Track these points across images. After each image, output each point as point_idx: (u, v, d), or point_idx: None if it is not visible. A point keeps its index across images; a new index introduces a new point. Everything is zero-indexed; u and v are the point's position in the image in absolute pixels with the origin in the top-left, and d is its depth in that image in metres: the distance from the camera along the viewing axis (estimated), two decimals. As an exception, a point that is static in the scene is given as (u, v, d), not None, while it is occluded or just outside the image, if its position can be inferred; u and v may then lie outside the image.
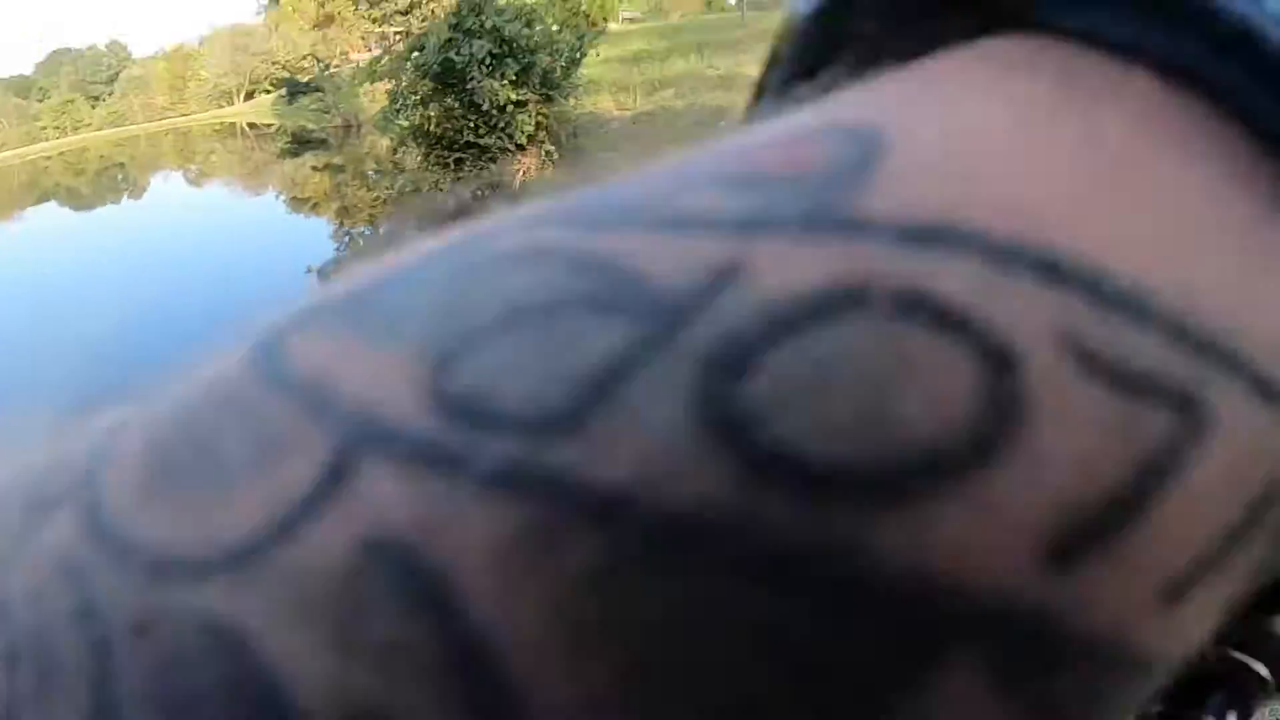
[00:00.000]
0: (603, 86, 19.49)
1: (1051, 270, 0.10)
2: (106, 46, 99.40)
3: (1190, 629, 0.11)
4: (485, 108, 15.04)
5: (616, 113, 17.76)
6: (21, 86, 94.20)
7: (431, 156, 16.68)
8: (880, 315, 0.09)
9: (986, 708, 0.10)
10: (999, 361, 0.09)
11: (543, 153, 15.61)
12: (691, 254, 0.10)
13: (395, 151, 18.78)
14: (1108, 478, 0.09)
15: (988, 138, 0.11)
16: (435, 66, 15.16)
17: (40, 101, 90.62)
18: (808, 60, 0.16)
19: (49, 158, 72.47)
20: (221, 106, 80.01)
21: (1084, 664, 0.10)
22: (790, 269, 0.10)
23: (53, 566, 0.11)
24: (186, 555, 0.10)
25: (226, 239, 23.65)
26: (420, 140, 16.69)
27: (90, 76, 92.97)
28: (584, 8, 32.56)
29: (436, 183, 16.76)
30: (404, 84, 16.44)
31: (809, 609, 0.09)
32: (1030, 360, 0.09)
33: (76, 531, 0.11)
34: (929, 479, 0.09)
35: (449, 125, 15.81)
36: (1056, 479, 0.09)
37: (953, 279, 0.09)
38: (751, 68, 18.29)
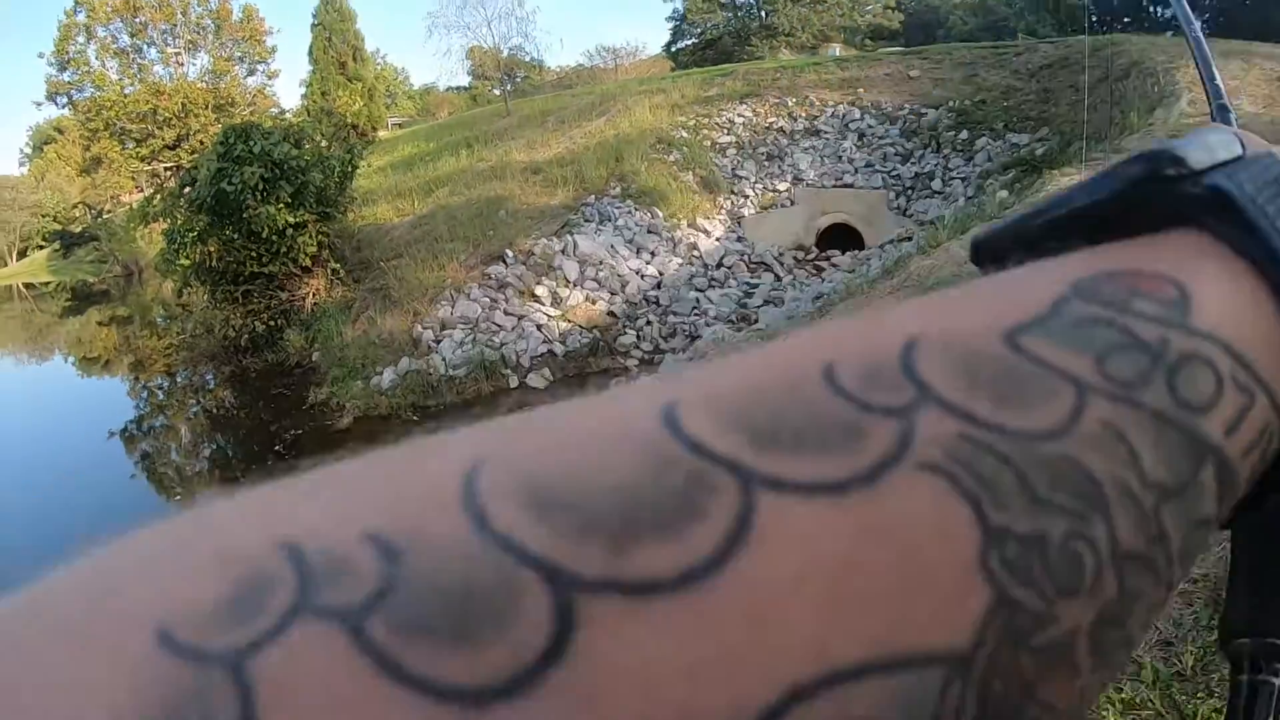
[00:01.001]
0: (379, 195, 19.70)
1: None
2: None
3: None
4: (264, 234, 14.88)
5: (396, 219, 17.92)
6: None
7: (218, 293, 16.27)
8: None
9: None
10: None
11: (329, 271, 15.57)
12: None
13: (180, 293, 18.17)
14: None
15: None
16: (209, 199, 14.91)
17: None
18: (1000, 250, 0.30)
19: None
20: (-5, 271, 75.61)
21: None
22: None
23: None
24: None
25: (18, 415, 22.29)
26: (204, 278, 16.20)
27: None
28: (351, 120, 32.91)
29: (227, 319, 16.39)
30: (179, 221, 16.03)
31: None
32: None
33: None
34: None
35: (230, 258, 15.50)
36: None
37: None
38: (519, 154, 18.92)
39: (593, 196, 15.93)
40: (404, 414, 11.75)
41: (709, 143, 19.06)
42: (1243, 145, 0.29)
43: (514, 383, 11.93)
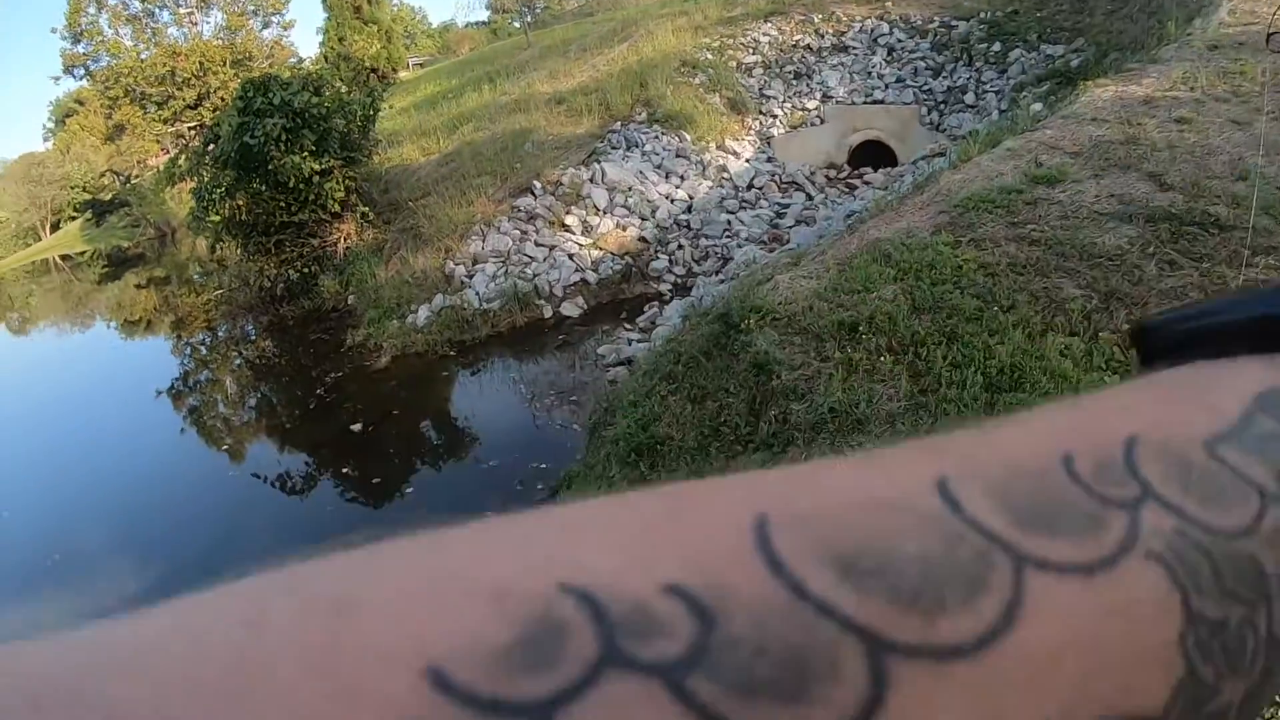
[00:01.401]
0: (404, 136, 19.60)
1: None
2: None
3: None
4: (291, 184, 14.93)
5: (422, 159, 17.82)
6: None
7: (251, 245, 16.44)
8: None
9: None
10: None
11: (358, 215, 15.61)
12: None
13: (213, 249, 18.31)
14: None
15: None
16: (233, 154, 14.97)
17: None
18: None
19: None
20: (29, 244, 76.50)
21: None
22: None
23: None
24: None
25: (67, 384, 22.76)
26: (235, 232, 16.32)
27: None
28: (370, 64, 32.77)
29: (261, 270, 16.56)
30: (206, 179, 16.16)
31: None
32: None
33: None
34: None
35: (260, 210, 15.59)
36: None
37: None
38: (542, 85, 18.69)
39: (619, 123, 15.72)
40: (440, 349, 11.84)
41: (734, 63, 18.65)
42: None
43: (548, 313, 11.90)
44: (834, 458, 0.25)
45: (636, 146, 15.06)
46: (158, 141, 46.82)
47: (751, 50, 18.98)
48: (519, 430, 9.40)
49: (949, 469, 0.23)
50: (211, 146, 16.15)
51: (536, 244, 12.75)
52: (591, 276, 12.29)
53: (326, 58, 33.99)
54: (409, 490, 9.26)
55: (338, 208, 15.54)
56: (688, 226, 13.42)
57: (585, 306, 11.96)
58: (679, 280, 12.36)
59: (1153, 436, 0.26)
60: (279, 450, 11.74)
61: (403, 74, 36.89)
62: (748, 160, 15.74)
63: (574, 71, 19.91)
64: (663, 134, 15.49)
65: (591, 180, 13.82)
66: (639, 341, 9.99)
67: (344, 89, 17.36)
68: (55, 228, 72.61)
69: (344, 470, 10.23)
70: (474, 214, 13.55)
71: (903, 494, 0.23)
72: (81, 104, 60.51)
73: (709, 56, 18.71)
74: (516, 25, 42.91)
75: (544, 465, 8.13)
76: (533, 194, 13.60)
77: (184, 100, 41.45)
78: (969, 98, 15.93)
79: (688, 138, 15.46)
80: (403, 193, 16.28)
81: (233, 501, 10.86)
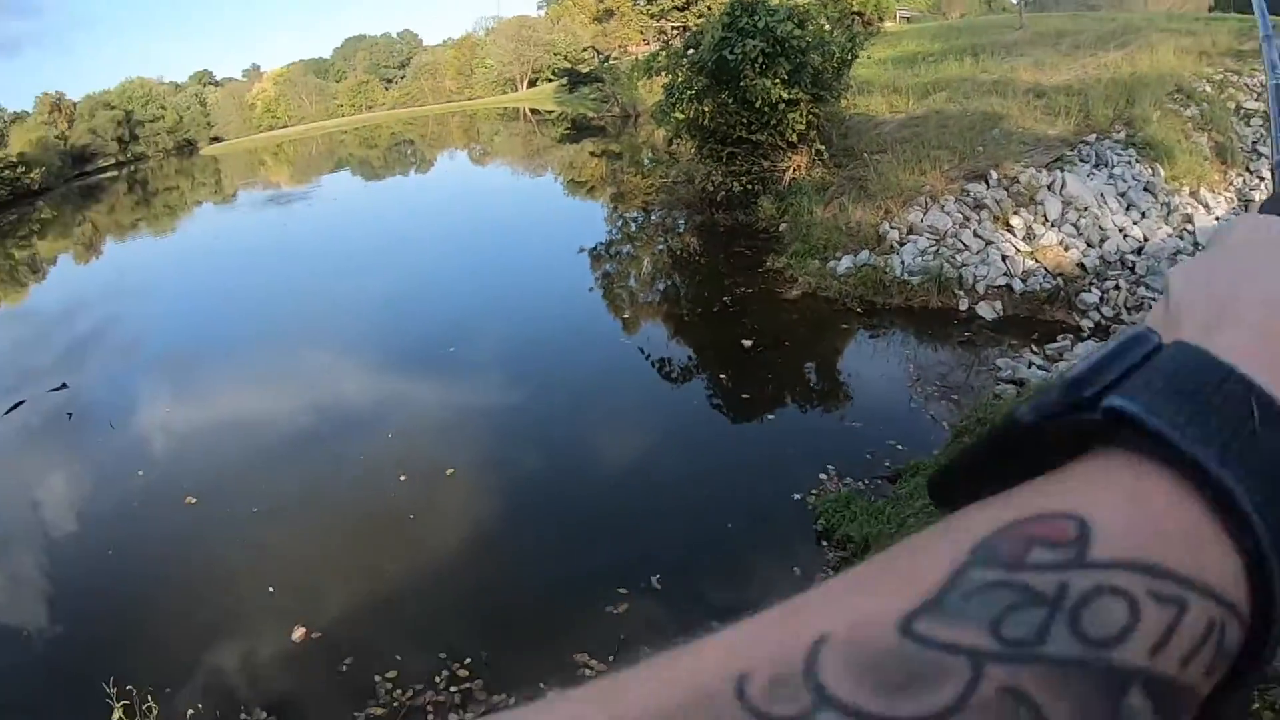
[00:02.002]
0: (875, 87, 19.71)
1: None
2: (399, 35, 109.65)
3: None
4: (757, 105, 15.65)
5: (888, 115, 17.86)
6: (320, 68, 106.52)
7: (705, 149, 17.64)
8: None
9: None
10: None
11: (813, 151, 16.10)
12: None
13: (670, 143, 19.74)
14: None
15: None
16: (710, 64, 16.00)
17: (337, 82, 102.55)
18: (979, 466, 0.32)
19: (345, 132, 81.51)
20: (505, 92, 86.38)
21: None
22: None
23: None
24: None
25: (506, 214, 25.78)
26: (695, 133, 17.51)
27: (384, 61, 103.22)
28: (858, 7, 33.01)
29: (709, 174, 17.80)
30: (680, 79, 17.30)
31: None
32: None
33: None
34: None
35: (722, 120, 16.54)
36: None
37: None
38: (1024, 72, 18.07)
39: (1094, 135, 14.74)
40: (849, 302, 12.09)
41: (1233, 105, 16.60)
42: (1156, 333, 0.32)
43: (963, 305, 11.64)
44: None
45: (1105, 166, 14.10)
46: (640, 33, 50.64)
47: (1256, 95, 16.73)
48: (891, 405, 9.45)
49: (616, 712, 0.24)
50: (691, 51, 17.23)
51: (975, 234, 12.51)
52: (1018, 285, 11.83)
53: (818, -7, 34.69)
54: (769, 419, 9.63)
55: (795, 139, 16.09)
56: (1131, 269, 12.36)
57: (1000, 313, 11.49)
58: (1103, 321, 11.39)
59: (840, 631, 0.25)
60: (669, 336, 12.84)
61: (888, 24, 36.84)
62: (1217, 217, 14.12)
63: (1060, 66, 18.87)
64: (1136, 161, 14.30)
65: (1049, 187, 13.24)
66: (1039, 368, 9.64)
67: (827, 27, 17.68)
68: (531, 84, 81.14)
69: (720, 376, 11.05)
70: (923, 184, 13.47)
71: None
72: (579, -15, 65.41)
73: (1206, 89, 16.95)
74: (1013, 1, 41.09)
75: (900, 447, 8.20)
76: (986, 183, 13.33)
77: (673, 1, 44.31)
78: None
79: (1161, 173, 14.09)
80: (860, 142, 16.46)
81: (610, 361, 12.28)
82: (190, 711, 6.14)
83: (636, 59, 27.22)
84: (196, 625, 7.48)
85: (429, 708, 5.94)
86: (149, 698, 6.11)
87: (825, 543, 6.83)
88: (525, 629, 6.57)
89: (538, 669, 5.93)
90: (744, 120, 16.24)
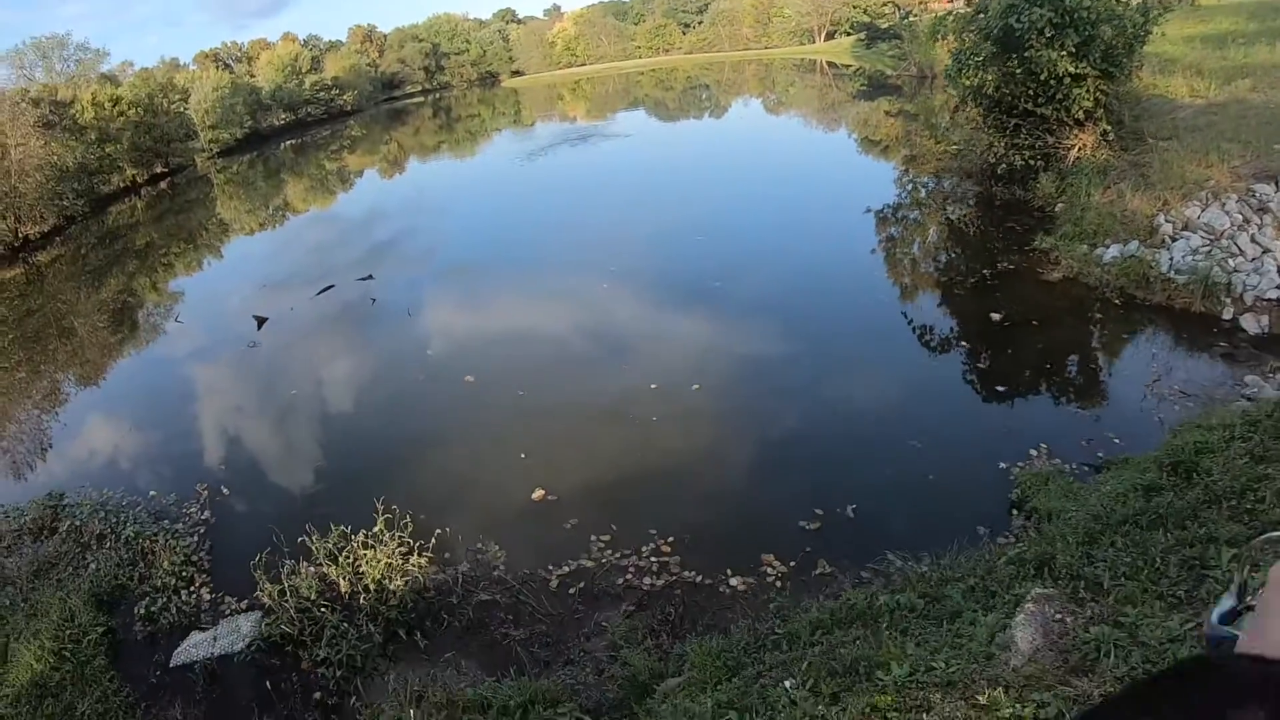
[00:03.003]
0: (1177, 67, 18.86)
1: None
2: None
3: None
4: (1042, 77, 15.55)
5: (1187, 99, 17.08)
6: (619, 10, 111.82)
7: (990, 118, 17.77)
8: None
9: None
10: None
11: (1099, 131, 15.81)
12: None
13: (956, 109, 19.99)
14: None
15: None
16: (996, 31, 16.02)
17: (635, 24, 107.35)
18: None
19: (641, 73, 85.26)
20: (801, 44, 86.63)
21: None
22: None
23: None
24: None
25: (796, 166, 26.59)
26: (980, 101, 17.65)
27: (682, 6, 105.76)
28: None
29: (990, 144, 17.84)
30: (967, 44, 17.46)
31: None
32: None
33: None
34: None
35: (1006, 90, 16.59)
36: None
37: None
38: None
39: None
40: (1108, 292, 12.00)
41: None
42: None
43: (1226, 314, 10.93)
44: None
45: None
46: (942, -9, 49.06)
47: None
48: (1121, 400, 9.55)
49: None
50: (980, 16, 17.01)
51: (1253, 239, 11.73)
52: (1290, 300, 11.08)
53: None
54: (996, 389, 10.09)
55: (1081, 115, 15.75)
56: None
57: (1265, 330, 10.61)
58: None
59: None
60: (923, 300, 13.67)
61: (1202, -1, 33.79)
62: None
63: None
64: None
65: (1349, 202, 12.21)
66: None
67: (1120, -1, 16.85)
68: (829, 36, 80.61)
69: (962, 343, 11.79)
70: (1207, 178, 12.91)
71: None
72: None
73: None
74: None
75: (1117, 440, 8.45)
76: (1276, 184, 12.37)
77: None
78: None
79: None
80: (1151, 125, 15.94)
81: (859, 314, 13.43)
82: (437, 531, 8.33)
83: (935, 16, 26.83)
84: (457, 473, 10.08)
85: (630, 569, 7.69)
86: (407, 516, 8.42)
87: (1016, 511, 7.52)
88: (726, 524, 8.14)
89: (728, 559, 7.52)
90: (1029, 92, 16.13)
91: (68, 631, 7.74)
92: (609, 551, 7.93)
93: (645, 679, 5.72)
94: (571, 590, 7.46)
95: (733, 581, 7.18)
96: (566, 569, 7.73)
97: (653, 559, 7.72)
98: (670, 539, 7.93)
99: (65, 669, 7.38)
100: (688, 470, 9.24)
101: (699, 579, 7.31)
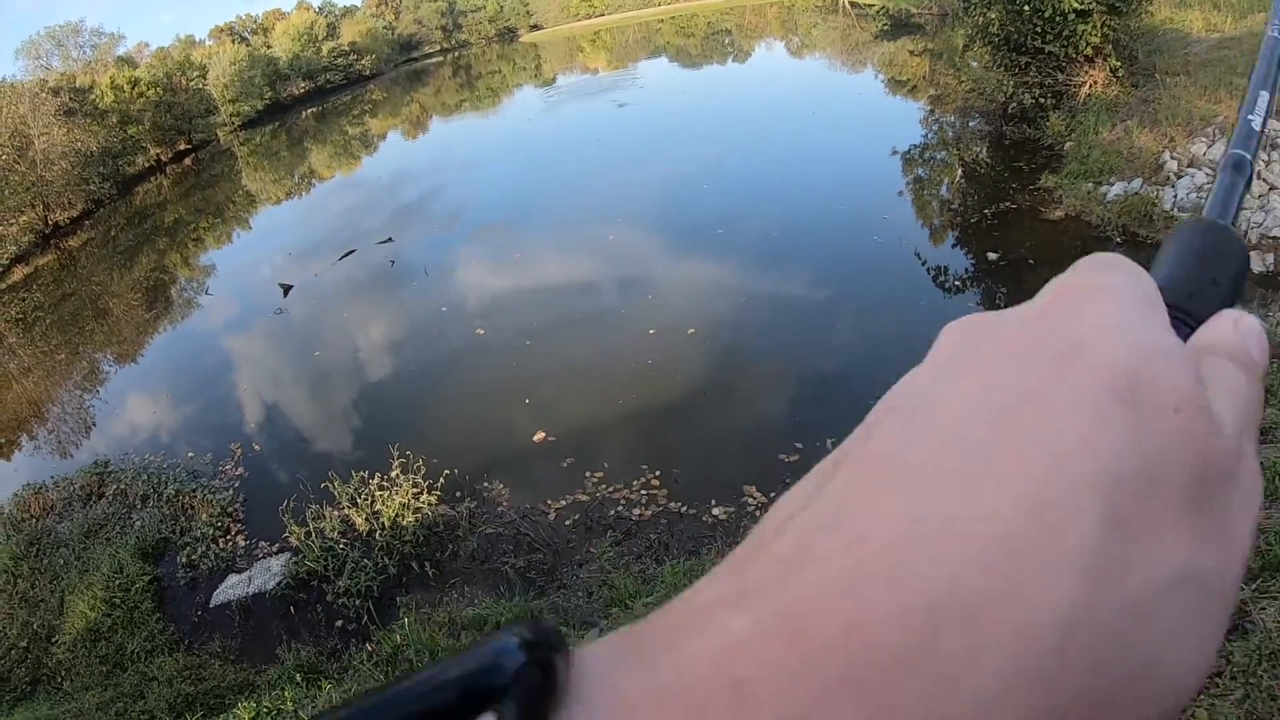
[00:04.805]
0: (1196, 1, 18.77)
1: None
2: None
3: None
4: (1047, 14, 15.42)
5: (1203, 33, 17.04)
6: None
7: (999, 57, 17.69)
8: None
9: None
10: None
11: (1109, 67, 15.80)
12: None
13: (964, 49, 20.29)
14: None
15: None
16: None
17: None
18: None
19: (661, 20, 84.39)
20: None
21: None
22: None
23: None
24: None
25: (822, 109, 26.88)
26: (988, 40, 17.55)
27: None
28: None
29: (1000, 83, 18.04)
30: None
31: None
32: None
33: None
34: None
35: (1013, 28, 16.39)
36: None
37: None
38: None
39: None
40: (1110, 231, 12.09)
41: None
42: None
43: None
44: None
45: None
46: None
47: None
48: None
49: None
50: None
51: (1259, 177, 11.37)
52: (1288, 241, 11.14)
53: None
54: None
55: (1090, 52, 15.57)
56: None
57: (1270, 268, 10.64)
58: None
59: None
60: (921, 239, 14.21)
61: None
62: None
63: None
64: None
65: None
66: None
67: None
68: (852, -25, 79.48)
69: (956, 282, 12.28)
70: (1215, 114, 12.88)
71: None
72: None
73: None
74: None
75: None
76: None
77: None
78: None
79: None
80: (1163, 60, 15.90)
81: (858, 255, 14.15)
82: (446, 472, 9.43)
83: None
84: (466, 419, 11.27)
85: (620, 500, 8.71)
86: (420, 460, 9.53)
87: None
88: (712, 459, 9.05)
89: (712, 491, 8.46)
90: (1036, 29, 15.88)
91: (117, 582, 9.00)
92: (603, 486, 8.91)
93: (626, 599, 6.55)
94: (567, 522, 8.46)
95: (715, 511, 8.06)
96: (564, 502, 8.75)
97: (643, 492, 8.67)
98: (658, 472, 8.88)
99: (116, 614, 8.64)
100: (679, 409, 10.20)
101: (684, 509, 8.24)
